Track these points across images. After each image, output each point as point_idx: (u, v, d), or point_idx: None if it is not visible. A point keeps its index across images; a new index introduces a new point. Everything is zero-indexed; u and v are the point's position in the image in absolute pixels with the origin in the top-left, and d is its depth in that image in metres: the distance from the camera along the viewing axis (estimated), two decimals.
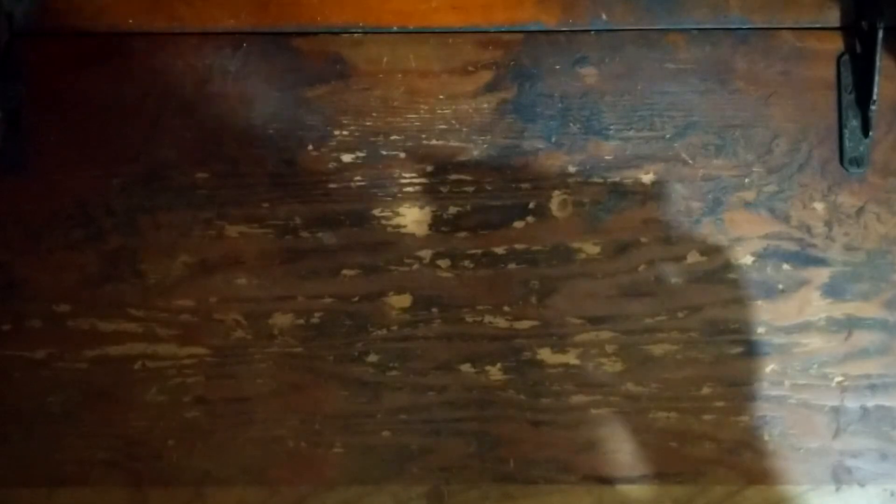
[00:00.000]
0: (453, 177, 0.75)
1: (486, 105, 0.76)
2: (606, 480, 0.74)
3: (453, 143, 0.76)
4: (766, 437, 0.74)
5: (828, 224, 0.75)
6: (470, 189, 0.75)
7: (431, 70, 0.76)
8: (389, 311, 0.75)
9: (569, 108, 0.76)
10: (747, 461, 0.74)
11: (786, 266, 0.75)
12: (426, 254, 0.75)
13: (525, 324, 0.75)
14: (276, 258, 0.75)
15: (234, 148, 0.75)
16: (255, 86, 0.76)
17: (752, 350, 0.74)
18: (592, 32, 0.76)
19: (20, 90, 0.75)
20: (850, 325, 0.75)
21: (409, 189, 0.75)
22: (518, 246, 0.75)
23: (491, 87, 0.76)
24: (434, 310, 0.75)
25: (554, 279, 0.75)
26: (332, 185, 0.75)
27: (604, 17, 0.76)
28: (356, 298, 0.75)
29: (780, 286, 0.75)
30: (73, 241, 0.75)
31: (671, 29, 0.76)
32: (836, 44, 0.76)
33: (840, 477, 0.74)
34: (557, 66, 0.76)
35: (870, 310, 0.75)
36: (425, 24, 0.76)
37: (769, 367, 0.74)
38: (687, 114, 0.76)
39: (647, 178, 0.75)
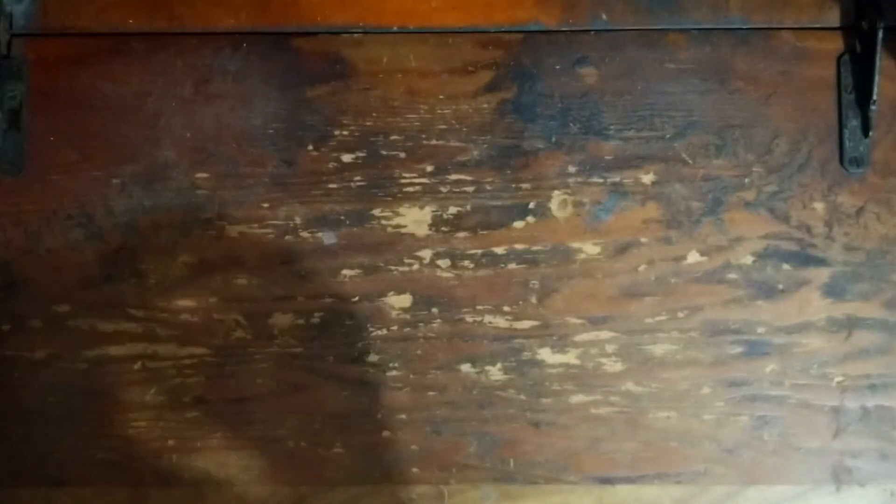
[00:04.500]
0: (453, 177, 0.76)
1: (486, 105, 0.76)
2: (606, 480, 0.74)
3: (453, 143, 0.76)
4: (766, 437, 0.74)
5: (828, 224, 0.75)
6: (470, 189, 0.75)
7: (431, 70, 0.76)
8: (389, 311, 0.75)
9: (569, 108, 0.76)
10: (747, 461, 0.74)
11: (786, 266, 0.75)
12: (426, 254, 0.75)
13: (525, 324, 0.75)
14: (276, 258, 0.75)
15: (233, 148, 0.75)
16: (255, 86, 0.76)
17: (752, 350, 0.74)
18: (592, 32, 0.76)
19: (20, 90, 0.75)
20: (850, 325, 0.75)
21: (409, 189, 0.75)
22: (518, 246, 0.75)
23: (491, 87, 0.76)
24: (434, 310, 0.75)
25: (554, 279, 0.75)
26: (332, 185, 0.75)
27: (604, 17, 0.76)
28: (356, 298, 0.75)
29: (780, 286, 0.75)
30: (72, 241, 0.75)
31: (671, 29, 0.76)
32: (836, 44, 0.76)
33: (840, 477, 0.74)
34: (557, 66, 0.76)
35: (870, 310, 0.75)
36: (425, 23, 0.76)
37: (769, 367, 0.75)
38: (687, 114, 0.76)
39: (647, 178, 0.75)
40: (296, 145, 0.76)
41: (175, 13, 0.76)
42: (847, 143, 0.75)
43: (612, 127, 0.76)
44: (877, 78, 0.73)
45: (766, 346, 0.74)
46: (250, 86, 0.76)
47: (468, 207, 0.75)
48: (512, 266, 0.75)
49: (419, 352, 0.75)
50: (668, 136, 0.76)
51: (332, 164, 0.75)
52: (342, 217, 0.75)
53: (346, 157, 0.76)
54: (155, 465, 0.74)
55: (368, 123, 0.76)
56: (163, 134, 0.75)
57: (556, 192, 0.75)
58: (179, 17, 0.76)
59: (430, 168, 0.75)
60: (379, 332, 0.75)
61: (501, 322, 0.75)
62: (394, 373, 0.74)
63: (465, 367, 0.75)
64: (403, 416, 0.74)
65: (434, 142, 0.76)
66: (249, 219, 0.75)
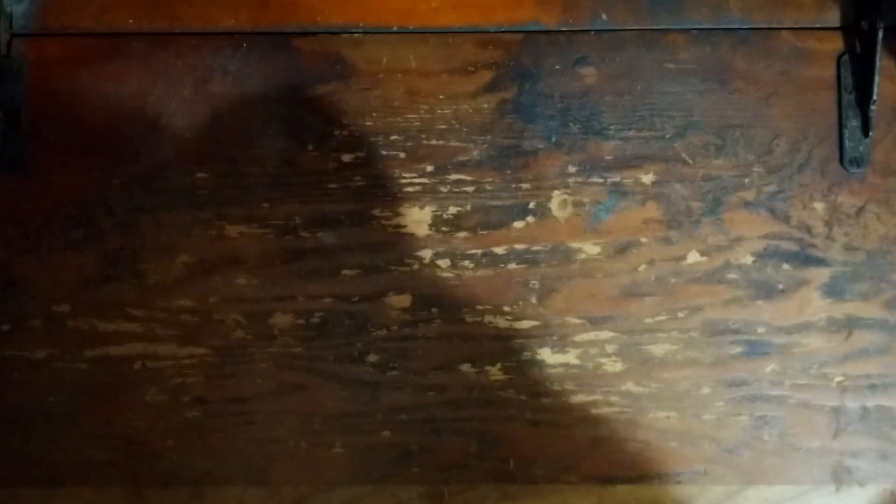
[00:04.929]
0: (453, 177, 0.76)
1: (486, 105, 0.76)
2: (607, 480, 0.74)
3: (453, 143, 0.76)
4: (766, 437, 0.74)
5: (828, 224, 0.75)
6: (470, 189, 0.75)
7: (431, 70, 0.76)
8: (389, 311, 0.75)
9: (569, 108, 0.76)
10: (747, 461, 0.74)
11: (786, 266, 0.75)
12: (426, 254, 0.75)
13: (525, 324, 0.75)
14: (276, 258, 0.75)
15: (233, 148, 0.75)
16: (255, 86, 0.76)
17: (752, 350, 0.75)
18: (592, 32, 0.76)
19: (20, 90, 0.75)
20: (850, 325, 0.75)
21: (409, 189, 0.75)
22: (518, 246, 0.75)
23: (491, 87, 0.76)
24: (434, 310, 0.75)
25: (554, 279, 0.75)
26: (332, 185, 0.75)
27: (604, 17, 0.76)
28: (356, 298, 0.75)
29: (780, 286, 0.75)
30: (72, 241, 0.75)
31: (671, 29, 0.76)
32: (836, 44, 0.76)
33: (840, 477, 0.74)
34: (557, 66, 0.76)
35: (870, 310, 0.75)
36: (425, 24, 0.76)
37: (769, 366, 0.75)
38: (687, 114, 0.76)
39: (647, 178, 0.75)
40: (296, 145, 0.76)
41: (175, 13, 0.76)
42: (847, 143, 0.75)
43: (612, 127, 0.76)
44: (877, 78, 0.73)
45: (766, 346, 0.74)
46: (250, 86, 0.76)
47: (468, 207, 0.75)
48: (512, 266, 0.75)
49: (419, 352, 0.75)
50: (668, 136, 0.76)
51: (332, 164, 0.75)
52: (342, 217, 0.75)
53: (346, 157, 0.76)
54: (154, 465, 0.74)
55: (368, 123, 0.76)
56: (163, 134, 0.75)
57: (556, 192, 0.75)
58: (179, 17, 0.76)
59: (430, 168, 0.76)
60: (379, 332, 0.75)
61: (501, 322, 0.75)
62: (393, 373, 0.74)
63: (465, 367, 0.75)
64: (403, 416, 0.74)
65: (434, 142, 0.76)
66: (249, 218, 0.75)
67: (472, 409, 0.74)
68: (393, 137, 0.76)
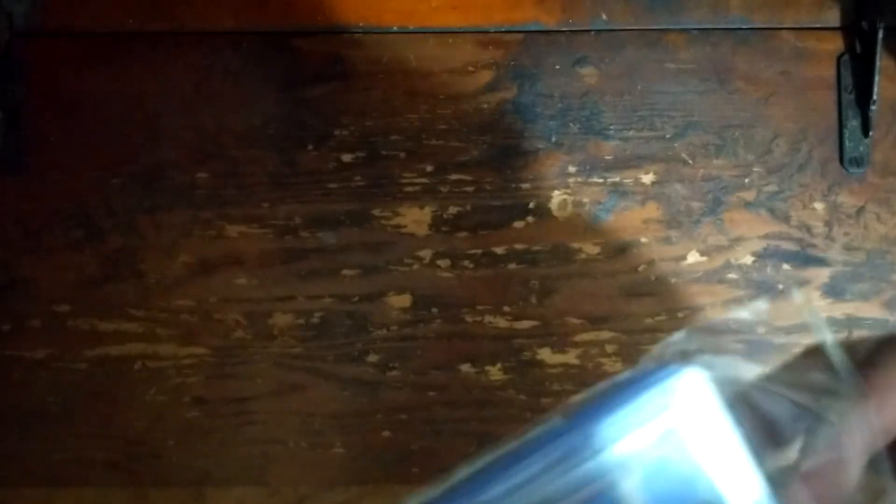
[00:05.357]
0: (453, 177, 0.76)
1: (486, 105, 0.76)
2: None
3: (453, 143, 0.76)
4: None
5: (828, 224, 0.75)
6: (470, 189, 0.75)
7: (431, 70, 0.76)
8: (389, 311, 0.75)
9: (569, 108, 0.76)
10: None
11: (786, 266, 0.75)
12: (426, 254, 0.75)
13: (525, 324, 0.75)
14: (275, 258, 0.75)
15: (233, 148, 0.75)
16: (255, 86, 0.76)
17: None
18: (592, 32, 0.76)
19: (20, 90, 0.75)
20: (850, 325, 0.75)
21: (409, 189, 0.75)
22: (518, 246, 0.75)
23: (491, 87, 0.76)
24: (434, 310, 0.75)
25: (554, 279, 0.75)
26: (331, 185, 0.75)
27: (604, 16, 0.76)
28: (356, 298, 0.75)
29: (780, 286, 0.75)
30: (72, 241, 0.75)
31: (671, 29, 0.76)
32: (836, 44, 0.76)
33: None
34: (557, 66, 0.76)
35: (870, 310, 0.75)
36: (425, 24, 0.76)
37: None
38: (687, 114, 0.76)
39: (647, 177, 0.75)
40: (296, 145, 0.75)
41: (175, 13, 0.76)
42: (847, 143, 0.75)
43: (612, 127, 0.76)
44: (877, 78, 0.73)
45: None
46: (250, 86, 0.76)
47: (468, 207, 0.75)
48: (512, 266, 0.75)
49: (419, 352, 0.75)
50: (668, 136, 0.76)
51: (332, 164, 0.75)
52: (342, 217, 0.75)
53: (346, 157, 0.76)
54: (154, 465, 0.74)
55: (368, 123, 0.76)
56: (163, 134, 0.75)
57: (556, 192, 0.75)
58: (179, 17, 0.76)
59: (430, 168, 0.75)
60: (379, 332, 0.75)
61: (501, 322, 0.75)
62: (394, 373, 0.74)
63: (465, 367, 0.75)
64: (403, 416, 0.74)
65: (434, 142, 0.76)
66: (249, 218, 0.75)
67: (472, 409, 0.74)
68: (393, 137, 0.76)
